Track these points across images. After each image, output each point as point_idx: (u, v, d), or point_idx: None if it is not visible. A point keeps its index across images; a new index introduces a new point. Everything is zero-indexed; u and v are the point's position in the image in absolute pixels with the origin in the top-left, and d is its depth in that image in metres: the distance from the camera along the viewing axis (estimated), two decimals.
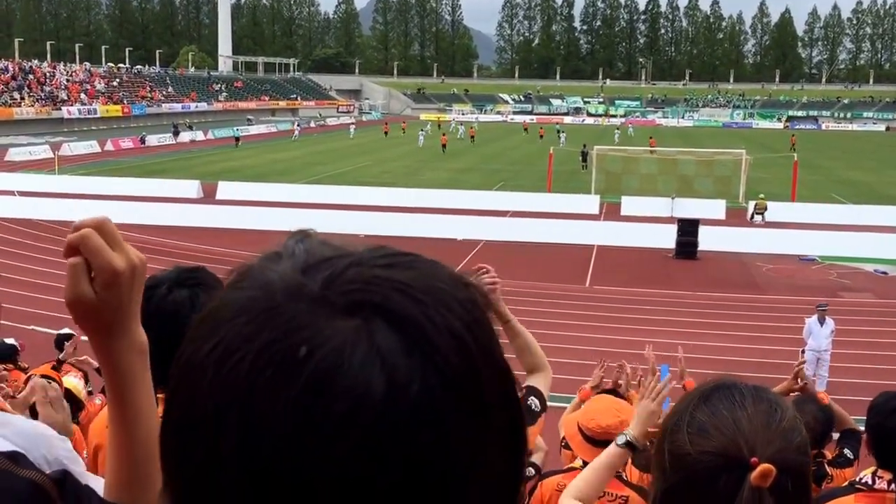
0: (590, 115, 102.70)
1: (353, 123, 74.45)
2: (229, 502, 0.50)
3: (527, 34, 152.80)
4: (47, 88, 68.64)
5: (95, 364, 7.03)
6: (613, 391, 4.77)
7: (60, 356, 6.83)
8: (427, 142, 56.32)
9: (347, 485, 0.48)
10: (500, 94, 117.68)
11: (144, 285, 2.23)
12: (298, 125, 67.27)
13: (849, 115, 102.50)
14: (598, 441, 3.36)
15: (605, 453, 2.47)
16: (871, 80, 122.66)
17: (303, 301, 0.51)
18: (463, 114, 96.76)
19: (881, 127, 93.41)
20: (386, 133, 65.39)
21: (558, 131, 64.36)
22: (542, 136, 62.58)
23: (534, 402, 2.72)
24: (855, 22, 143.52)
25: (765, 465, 1.10)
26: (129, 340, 1.04)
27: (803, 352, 11.43)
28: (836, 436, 4.27)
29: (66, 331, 6.73)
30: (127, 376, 1.05)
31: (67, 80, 72.41)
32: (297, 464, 0.48)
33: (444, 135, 56.93)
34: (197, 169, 38.42)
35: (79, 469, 1.24)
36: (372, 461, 0.48)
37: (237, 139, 56.28)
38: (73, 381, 5.66)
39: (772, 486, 1.11)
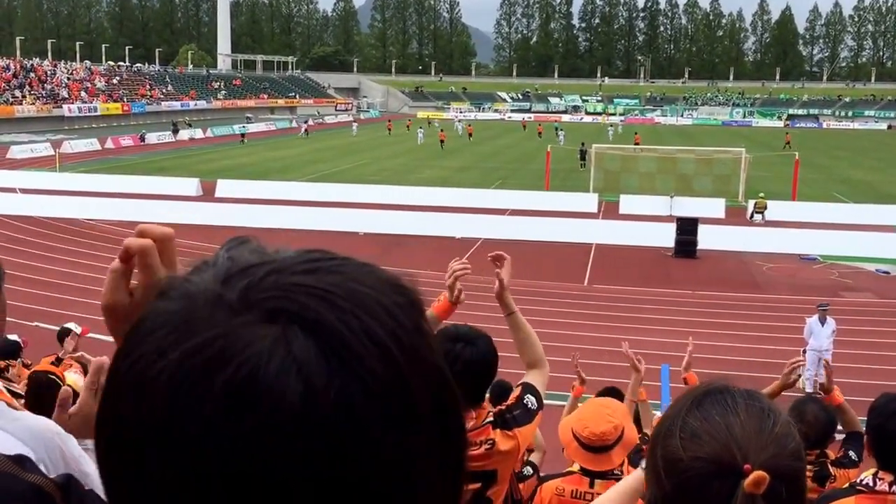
0: (588, 113, 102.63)
1: (355, 121, 74.86)
2: None
3: (525, 32, 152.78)
4: (48, 86, 68.62)
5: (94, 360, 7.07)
6: (614, 391, 4.77)
7: (60, 353, 6.82)
8: (427, 139, 56.82)
9: (268, 495, 0.48)
10: (499, 93, 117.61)
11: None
12: (306, 122, 67.42)
13: (850, 113, 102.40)
14: (594, 447, 3.34)
15: (632, 476, 2.43)
16: (873, 79, 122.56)
17: (221, 311, 0.51)
18: (461, 112, 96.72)
19: (883, 125, 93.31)
20: (389, 130, 65.71)
21: (556, 129, 64.57)
22: (540, 134, 62.75)
23: (530, 399, 2.72)
24: (856, 19, 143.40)
25: (758, 472, 1.09)
26: None
27: (804, 352, 11.43)
28: (840, 437, 4.26)
29: (68, 325, 6.74)
30: None
31: (68, 79, 72.38)
32: (218, 477, 0.48)
33: (441, 131, 57.64)
34: (196, 167, 38.41)
35: (90, 469, 1.23)
36: (290, 470, 0.47)
37: (243, 136, 57.72)
38: (73, 376, 5.66)
39: (765, 493, 1.10)
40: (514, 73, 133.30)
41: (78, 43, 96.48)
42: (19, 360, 6.58)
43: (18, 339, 6.74)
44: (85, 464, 1.35)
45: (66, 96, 68.68)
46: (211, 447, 0.48)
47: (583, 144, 39.71)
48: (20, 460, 1.03)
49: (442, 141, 52.44)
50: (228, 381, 0.48)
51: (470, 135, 61.63)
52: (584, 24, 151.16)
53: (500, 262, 2.69)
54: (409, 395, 0.51)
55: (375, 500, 0.50)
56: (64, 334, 6.91)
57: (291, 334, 0.49)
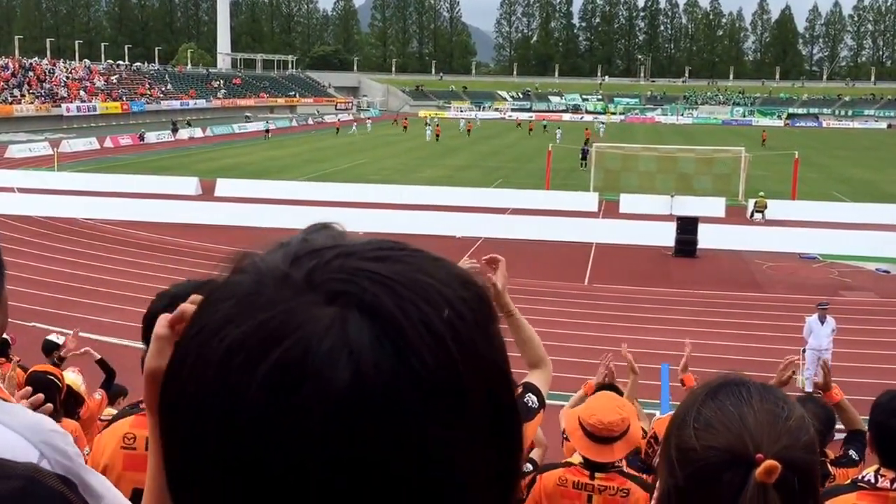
0: (588, 112, 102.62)
1: (369, 119, 76.50)
2: (206, 484, 0.51)
3: (525, 31, 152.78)
4: (47, 85, 68.58)
5: (97, 356, 7.02)
6: (612, 387, 4.77)
7: (62, 352, 6.80)
8: (434, 136, 58.50)
9: (309, 474, 0.48)
10: (499, 92, 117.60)
11: (160, 301, 2.17)
12: (363, 117, 68.43)
13: (850, 112, 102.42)
14: (599, 437, 3.35)
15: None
16: (873, 78, 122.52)
17: (286, 289, 0.52)
18: (461, 111, 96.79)
19: (882, 125, 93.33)
20: (405, 128, 67.21)
21: (544, 127, 67.55)
22: (531, 131, 66.13)
23: (531, 398, 2.71)
24: (856, 19, 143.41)
25: (770, 462, 1.10)
26: None
27: (804, 351, 11.42)
28: (841, 435, 4.25)
29: (52, 337, 6.63)
30: None
31: (67, 78, 72.34)
32: (261, 451, 0.49)
33: (437, 125, 60.61)
34: (196, 166, 38.40)
35: (81, 463, 1.23)
36: (332, 451, 0.48)
37: (267, 131, 60.19)
38: (72, 376, 5.65)
39: (778, 484, 1.10)
40: (515, 73, 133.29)
41: (77, 42, 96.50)
42: (14, 361, 6.53)
43: (6, 337, 6.69)
44: (76, 458, 1.35)
45: (65, 95, 68.64)
46: (255, 420, 0.49)
47: (585, 143, 39.73)
48: (36, 468, 1.03)
49: (437, 135, 55.76)
50: (281, 357, 0.49)
51: (469, 131, 63.99)
52: (584, 24, 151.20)
53: (494, 266, 2.68)
54: (460, 390, 0.51)
55: (412, 492, 0.50)
56: (51, 345, 6.78)
57: (349, 317, 0.50)
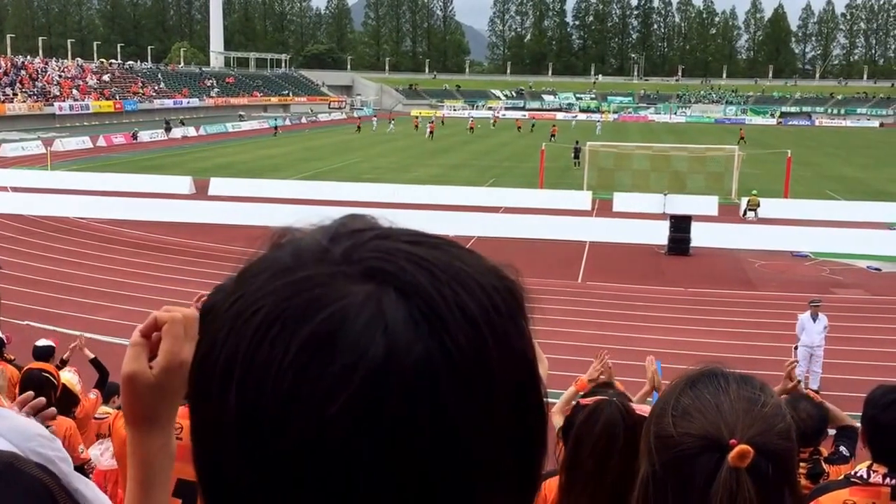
0: (582, 111, 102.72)
1: (375, 117, 77.22)
2: (234, 461, 0.51)
3: (519, 30, 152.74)
4: (39, 84, 68.28)
5: (91, 355, 7.00)
6: (609, 385, 4.78)
7: (64, 356, 6.80)
8: (437, 132, 60.20)
9: (337, 445, 0.49)
10: (493, 90, 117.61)
11: (217, 296, 2.19)
12: (374, 115, 69.35)
13: (842, 111, 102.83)
14: None
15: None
16: (865, 76, 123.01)
17: (324, 264, 0.53)
18: (454, 109, 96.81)
19: (875, 123, 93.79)
20: (416, 127, 68.14)
21: (532, 126, 69.15)
22: (519, 128, 68.70)
23: None
24: (849, 17, 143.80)
25: (742, 446, 1.12)
26: (165, 440, 1.03)
27: (796, 348, 11.47)
28: (832, 432, 4.28)
29: (43, 342, 6.57)
30: (156, 476, 1.04)
31: (59, 76, 72.06)
32: (290, 419, 0.49)
33: (431, 122, 62.54)
34: (189, 165, 38.32)
35: (68, 469, 1.23)
36: (361, 424, 0.48)
37: (276, 128, 62.58)
38: (68, 376, 5.65)
39: (751, 469, 1.12)
40: (508, 71, 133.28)
41: (69, 40, 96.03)
42: (5, 355, 6.51)
43: (2, 336, 6.68)
44: (65, 466, 1.36)
45: (58, 94, 68.37)
46: (288, 388, 0.49)
47: (577, 143, 39.76)
48: (15, 456, 1.04)
49: (431, 132, 58.23)
50: (316, 328, 0.50)
51: (471, 129, 65.95)
52: (577, 22, 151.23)
53: None
54: (491, 377, 0.52)
55: (436, 470, 0.50)
56: (44, 350, 6.65)
57: (385, 294, 0.50)
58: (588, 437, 2.44)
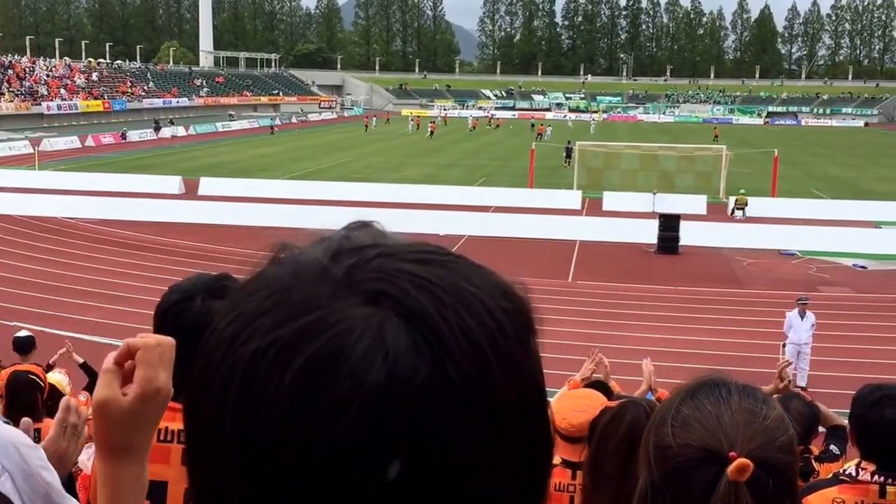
0: (571, 110, 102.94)
1: (374, 115, 78.26)
2: (228, 478, 0.50)
3: (508, 30, 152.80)
4: (27, 84, 67.83)
5: (80, 360, 6.98)
6: (601, 384, 4.80)
7: (51, 360, 6.77)
8: (437, 131, 61.15)
9: (334, 475, 0.47)
10: (483, 90, 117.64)
11: (172, 296, 2.12)
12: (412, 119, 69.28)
13: (828, 111, 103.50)
14: (572, 438, 3.38)
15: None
16: (850, 77, 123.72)
17: (324, 285, 0.51)
18: (445, 109, 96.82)
19: (860, 122, 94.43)
20: (418, 126, 68.71)
21: (532, 125, 69.31)
22: (497, 126, 71.67)
23: None
24: (834, 18, 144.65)
25: (741, 460, 1.10)
26: (139, 471, 1.00)
27: (784, 346, 11.55)
28: (822, 431, 4.32)
29: (23, 333, 6.56)
30: None
31: (47, 76, 71.60)
32: (286, 449, 0.47)
33: (432, 122, 63.67)
34: (178, 164, 38.17)
35: (52, 479, 1.22)
36: (360, 452, 0.47)
37: (272, 128, 64.73)
38: (57, 376, 5.63)
39: (751, 483, 1.11)
40: (498, 71, 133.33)
41: (57, 40, 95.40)
42: None
43: None
44: (48, 475, 1.35)
45: (46, 94, 67.94)
46: (284, 417, 0.48)
47: (568, 143, 39.87)
48: None
49: (432, 132, 59.59)
50: (314, 354, 0.48)
51: (474, 127, 68.78)
52: (567, 22, 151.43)
53: None
54: (495, 403, 0.50)
55: (444, 492, 0.48)
56: (25, 341, 6.65)
57: (387, 318, 0.49)
58: (613, 436, 2.45)
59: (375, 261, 0.52)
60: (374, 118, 74.81)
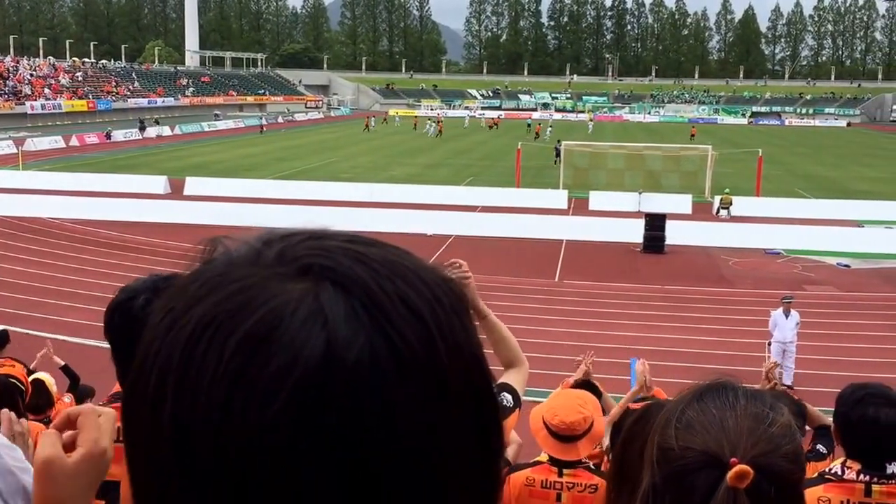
0: (558, 110, 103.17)
1: (372, 115, 78.19)
2: (166, 470, 0.49)
3: (494, 30, 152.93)
4: (10, 83, 67.23)
5: (61, 362, 6.93)
6: (589, 384, 4.81)
7: (32, 365, 6.71)
8: (437, 132, 61.66)
9: (279, 450, 0.46)
10: (469, 90, 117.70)
11: (120, 296, 2.13)
12: (436, 120, 67.60)
13: (811, 111, 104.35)
14: (563, 436, 3.39)
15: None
16: (833, 77, 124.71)
17: (256, 267, 0.51)
18: (434, 109, 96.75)
19: (842, 122, 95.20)
20: (440, 132, 68.00)
21: (528, 125, 69.05)
22: (490, 127, 70.44)
23: (505, 397, 2.73)
24: (816, 19, 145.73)
25: (741, 466, 1.08)
26: None
27: (769, 344, 11.62)
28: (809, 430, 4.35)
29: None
30: None
31: (31, 75, 71.00)
32: (228, 428, 0.46)
33: (440, 122, 63.36)
34: (164, 164, 37.95)
35: (28, 479, 1.22)
36: (303, 425, 0.46)
37: (261, 127, 65.01)
38: (45, 376, 5.59)
39: (752, 490, 1.09)
40: (485, 71, 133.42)
41: (41, 39, 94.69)
42: None
43: None
44: (25, 475, 1.35)
45: (30, 93, 67.38)
46: (225, 393, 0.47)
47: (559, 142, 39.96)
48: None
49: (440, 131, 60.50)
50: (251, 329, 0.47)
51: (491, 126, 69.62)
52: (552, 23, 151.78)
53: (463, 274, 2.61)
54: (440, 371, 0.49)
55: (393, 464, 0.47)
56: (3, 339, 6.64)
57: (322, 289, 0.49)
58: (639, 435, 2.45)
59: (307, 241, 0.52)
60: (373, 118, 74.38)
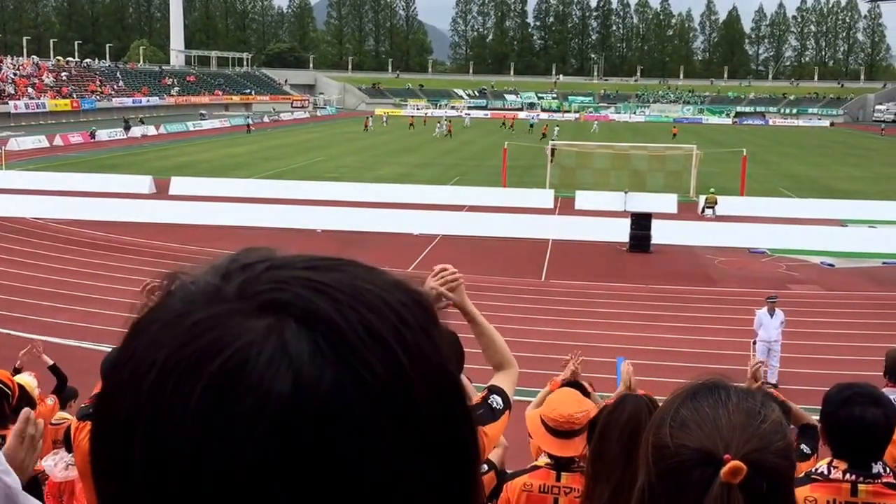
0: (544, 110, 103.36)
1: (370, 115, 77.83)
2: None
3: (480, 30, 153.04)
4: None
5: (50, 362, 6.88)
6: (577, 384, 4.81)
7: (17, 364, 6.66)
8: (447, 131, 61.74)
9: (253, 492, 0.46)
10: (455, 90, 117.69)
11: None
12: (446, 120, 67.47)
13: (795, 111, 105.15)
14: (561, 431, 3.39)
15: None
16: (816, 77, 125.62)
17: (217, 304, 0.50)
18: (425, 107, 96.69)
19: (825, 122, 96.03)
20: (412, 125, 69.17)
21: (531, 125, 70.46)
22: (509, 125, 72.25)
23: (496, 400, 2.73)
24: (800, 20, 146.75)
25: (735, 462, 1.11)
26: None
27: (755, 343, 11.69)
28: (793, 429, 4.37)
29: None
30: None
31: (14, 74, 70.36)
32: (200, 474, 0.46)
33: (449, 122, 64.42)
34: (149, 164, 37.73)
35: (12, 482, 1.21)
36: (275, 467, 0.46)
37: (248, 126, 64.49)
38: (27, 378, 5.54)
39: (745, 486, 1.11)
40: (471, 71, 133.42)
41: (25, 38, 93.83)
42: None
43: None
44: (8, 478, 1.34)
45: (13, 92, 66.76)
46: (195, 438, 0.46)
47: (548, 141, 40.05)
48: None
49: (449, 131, 60.96)
50: (216, 371, 0.47)
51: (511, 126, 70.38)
52: (538, 23, 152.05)
53: (451, 280, 2.55)
54: (410, 396, 0.49)
55: (368, 495, 0.47)
56: None
57: (284, 325, 0.48)
58: (615, 425, 2.47)
59: (267, 273, 0.51)
60: (371, 118, 73.97)
